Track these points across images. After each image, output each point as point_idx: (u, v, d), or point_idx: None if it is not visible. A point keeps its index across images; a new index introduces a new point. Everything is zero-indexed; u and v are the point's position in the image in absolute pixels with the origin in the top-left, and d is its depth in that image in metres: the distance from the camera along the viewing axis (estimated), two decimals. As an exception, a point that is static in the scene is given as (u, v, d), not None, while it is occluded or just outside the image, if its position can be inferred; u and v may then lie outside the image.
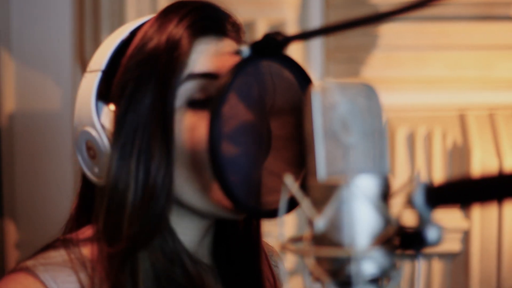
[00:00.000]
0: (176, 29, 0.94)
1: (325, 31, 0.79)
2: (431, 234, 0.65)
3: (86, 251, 0.97)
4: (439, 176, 1.97)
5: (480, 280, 1.98)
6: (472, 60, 2.01)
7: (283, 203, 0.73)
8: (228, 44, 0.98)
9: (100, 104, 0.96)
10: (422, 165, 2.01)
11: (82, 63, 2.09)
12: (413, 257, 0.68)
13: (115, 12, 2.01)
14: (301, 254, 0.72)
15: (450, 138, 2.01)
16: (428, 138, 2.01)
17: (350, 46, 2.04)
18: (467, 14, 1.99)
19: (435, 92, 2.01)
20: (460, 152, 1.99)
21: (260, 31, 1.91)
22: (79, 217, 1.05)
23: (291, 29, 1.99)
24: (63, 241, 0.99)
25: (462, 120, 2.01)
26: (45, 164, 2.13)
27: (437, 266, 2.00)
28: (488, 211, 1.94)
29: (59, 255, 0.96)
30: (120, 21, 2.00)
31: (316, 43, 2.06)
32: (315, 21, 2.05)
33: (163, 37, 0.94)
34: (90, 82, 0.97)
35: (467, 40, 1.99)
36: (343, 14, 1.98)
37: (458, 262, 2.00)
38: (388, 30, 2.00)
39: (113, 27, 1.98)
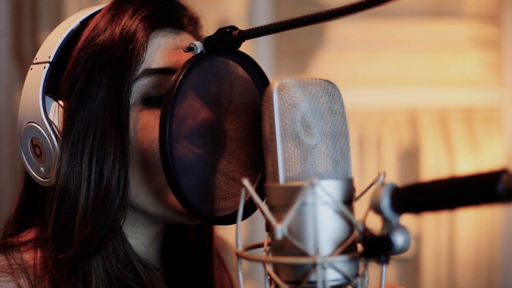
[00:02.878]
0: (131, 21, 0.89)
1: (281, 27, 0.75)
2: (399, 240, 0.62)
3: (28, 256, 0.91)
4: (390, 179, 1.96)
5: (432, 285, 1.98)
6: (423, 59, 2.01)
7: (241, 209, 0.69)
8: (185, 38, 0.93)
9: (48, 98, 0.89)
10: (373, 168, 2.00)
11: (20, 60, 2.01)
12: (379, 264, 0.65)
13: (55, 6, 1.94)
14: (261, 262, 0.68)
15: (401, 140, 2.00)
16: (379, 140, 2.00)
17: (298, 44, 2.02)
18: (417, 11, 1.99)
19: (385, 92, 2.00)
20: (411, 155, 1.99)
21: (206, 29, 1.87)
22: (20, 220, 0.98)
23: (238, 27, 1.96)
24: (2, 245, 0.93)
25: (413, 122, 2.01)
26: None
27: (389, 271, 1.99)
28: (440, 215, 1.94)
29: None
30: (59, 16, 1.93)
31: (265, 42, 2.03)
32: (263, 20, 2.03)
33: (117, 29, 0.88)
34: (37, 74, 0.90)
35: (417, 37, 1.99)
36: (291, 13, 1.95)
37: (410, 267, 2.00)
38: (336, 28, 1.99)
39: (53, 23, 1.92)
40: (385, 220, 0.63)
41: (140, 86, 0.88)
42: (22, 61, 2.00)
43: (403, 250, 0.62)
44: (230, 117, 0.87)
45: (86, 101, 0.86)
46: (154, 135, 0.87)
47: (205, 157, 0.85)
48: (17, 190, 1.01)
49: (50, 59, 0.90)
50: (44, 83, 0.89)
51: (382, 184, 0.63)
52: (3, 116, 2.02)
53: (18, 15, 2.03)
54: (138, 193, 0.89)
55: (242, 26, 1.97)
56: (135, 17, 0.89)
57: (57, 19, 1.93)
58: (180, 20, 0.94)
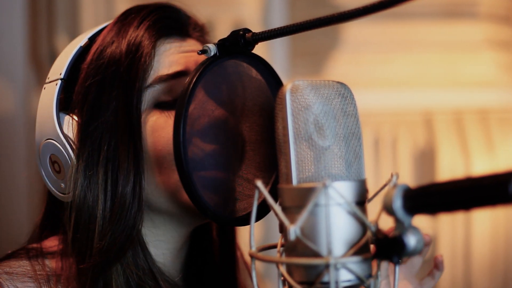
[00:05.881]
0: (137, 31, 0.91)
1: (294, 29, 0.75)
2: (411, 241, 0.62)
3: (51, 263, 0.92)
4: (406, 181, 1.96)
5: (448, 286, 1.97)
6: (438, 60, 2.00)
7: (254, 210, 0.69)
8: (192, 44, 0.95)
9: (62, 114, 0.91)
10: (388, 169, 1.99)
11: (36, 65, 2.02)
12: (392, 264, 0.65)
13: (70, 12, 1.96)
14: (274, 263, 0.68)
15: (416, 141, 2.00)
16: (394, 142, 1.99)
17: (313, 46, 2.02)
18: (431, 12, 1.99)
19: (400, 93, 2.00)
20: (426, 156, 1.98)
21: (221, 31, 1.88)
22: (44, 229, 1.00)
23: (253, 29, 1.95)
24: (27, 251, 0.94)
25: (429, 123, 2.00)
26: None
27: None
28: (455, 216, 1.93)
29: (21, 265, 0.91)
30: (75, 22, 1.94)
31: (280, 43, 2.03)
32: (278, 21, 2.03)
33: (124, 40, 0.90)
34: (50, 92, 0.92)
35: (432, 38, 1.98)
36: (306, 15, 1.95)
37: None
38: (351, 30, 1.98)
39: (68, 28, 1.93)
40: (398, 221, 0.63)
41: (152, 92, 0.89)
42: (39, 64, 2.01)
43: (415, 251, 0.62)
44: (243, 119, 0.87)
45: (98, 112, 0.88)
46: (167, 136, 0.87)
47: (219, 159, 0.85)
48: (33, 196, 1.02)
49: (61, 76, 0.92)
50: (57, 99, 0.91)
51: (395, 185, 0.63)
52: (20, 118, 2.03)
53: (34, 17, 2.04)
54: (157, 195, 0.90)
55: (257, 28, 1.98)
56: (140, 27, 0.91)
57: (73, 22, 1.94)
58: (185, 27, 0.95)
